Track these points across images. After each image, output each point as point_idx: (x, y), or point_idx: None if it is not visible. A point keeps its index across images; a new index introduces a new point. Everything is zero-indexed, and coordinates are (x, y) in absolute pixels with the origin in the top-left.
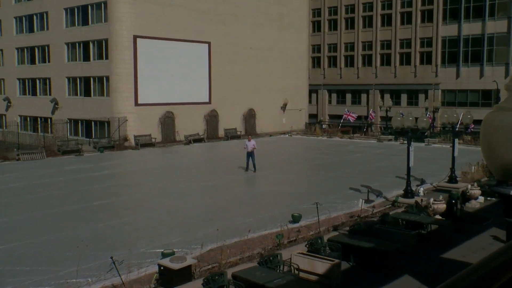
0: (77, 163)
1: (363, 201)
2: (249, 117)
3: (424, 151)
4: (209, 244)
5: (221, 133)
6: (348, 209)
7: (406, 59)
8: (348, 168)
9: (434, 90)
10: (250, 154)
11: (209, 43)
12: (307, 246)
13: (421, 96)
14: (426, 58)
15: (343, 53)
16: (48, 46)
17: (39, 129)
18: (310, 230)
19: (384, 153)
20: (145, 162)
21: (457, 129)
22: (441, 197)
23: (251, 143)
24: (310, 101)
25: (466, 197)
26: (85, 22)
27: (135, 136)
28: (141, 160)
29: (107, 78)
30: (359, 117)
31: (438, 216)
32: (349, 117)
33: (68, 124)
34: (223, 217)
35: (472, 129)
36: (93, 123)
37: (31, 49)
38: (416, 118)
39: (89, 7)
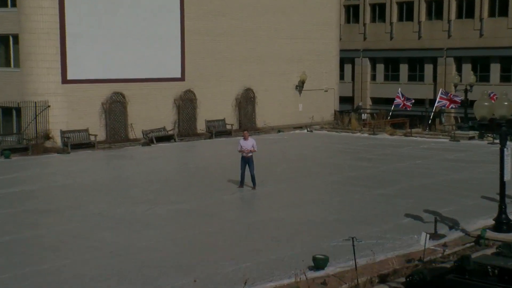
0: None
1: (428, 236)
2: (246, 102)
3: None
4: None
5: (201, 127)
6: (403, 249)
7: (500, 7)
8: (403, 183)
9: None
10: (246, 161)
11: None
12: None
13: None
14: None
15: None
16: None
17: None
18: (342, 282)
19: (461, 159)
20: (79, 173)
21: None
22: None
23: (249, 144)
24: (342, 77)
25: None
26: None
27: (62, 132)
28: (72, 170)
29: (15, 37)
30: (420, 101)
31: None
32: (404, 104)
33: None
34: (204, 260)
35: None
36: None
37: None
38: None
39: None
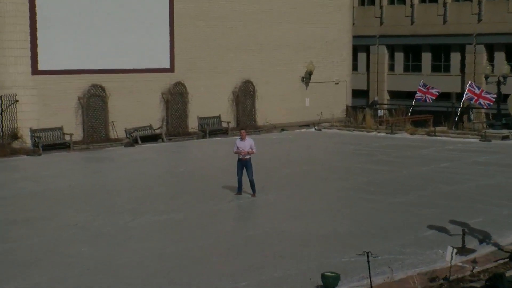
0: None
1: (455, 250)
2: (244, 96)
3: None
4: None
5: (192, 124)
6: (426, 266)
7: None
8: (426, 190)
9: None
10: (244, 164)
11: None
12: None
13: None
14: None
15: None
16: None
17: None
18: None
19: (493, 162)
20: (52, 179)
21: None
22: None
23: (246, 144)
24: (355, 67)
25: None
26: None
27: (33, 131)
28: (44, 175)
29: None
30: (446, 95)
31: None
32: (426, 95)
33: None
34: (196, 278)
35: None
36: None
37: None
38: None
39: None
